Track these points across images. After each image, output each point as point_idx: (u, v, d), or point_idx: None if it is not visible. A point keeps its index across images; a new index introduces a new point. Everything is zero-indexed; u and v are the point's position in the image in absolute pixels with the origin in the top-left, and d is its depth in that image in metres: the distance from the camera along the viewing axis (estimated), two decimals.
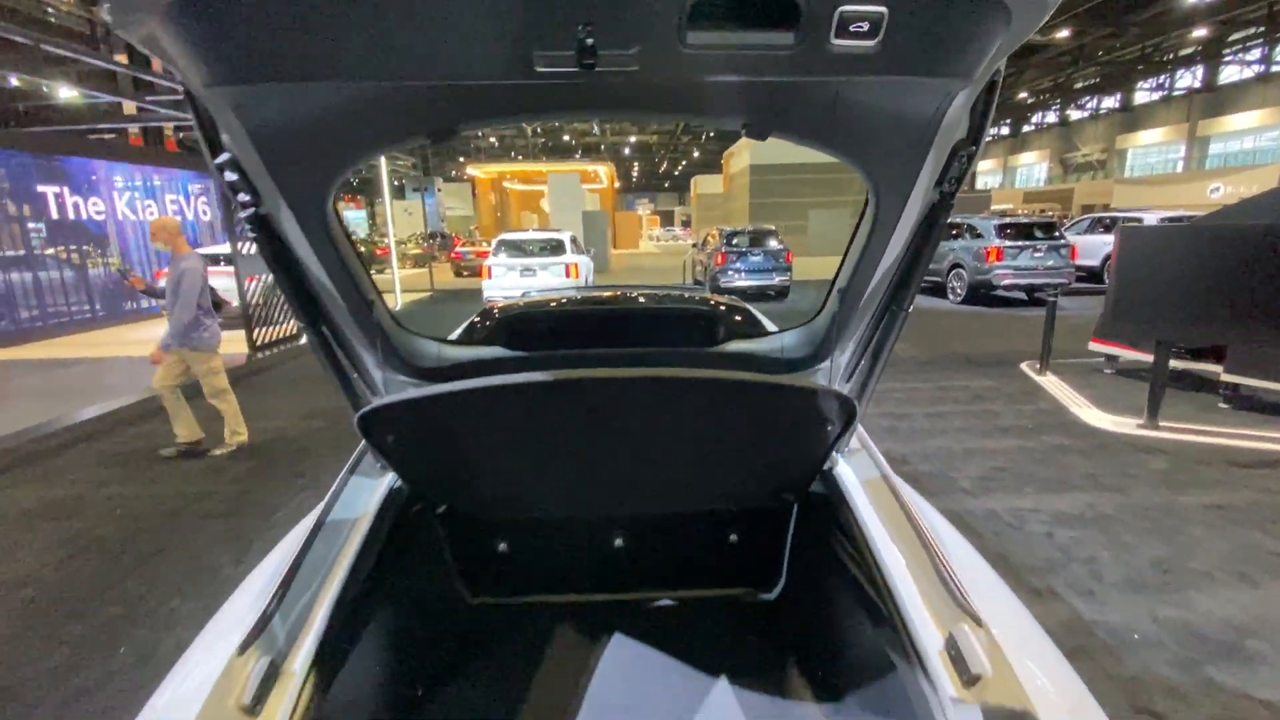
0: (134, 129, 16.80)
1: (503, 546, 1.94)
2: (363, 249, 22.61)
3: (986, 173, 50.58)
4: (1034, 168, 45.82)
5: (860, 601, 1.39)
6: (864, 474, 1.56)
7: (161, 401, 4.80)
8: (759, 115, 1.08)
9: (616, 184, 47.87)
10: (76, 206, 11.37)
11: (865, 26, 0.80)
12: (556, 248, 11.09)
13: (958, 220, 12.75)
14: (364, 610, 1.33)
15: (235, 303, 9.67)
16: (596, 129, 42.74)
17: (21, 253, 10.48)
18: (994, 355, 7.54)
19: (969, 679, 0.96)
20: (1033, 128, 44.44)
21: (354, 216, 48.12)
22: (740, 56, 0.86)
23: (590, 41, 0.80)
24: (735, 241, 13.50)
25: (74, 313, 11.30)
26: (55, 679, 2.40)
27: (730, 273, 13.06)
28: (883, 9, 0.78)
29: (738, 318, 2.32)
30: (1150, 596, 2.78)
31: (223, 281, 10.01)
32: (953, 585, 1.11)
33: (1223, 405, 5.32)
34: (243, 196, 1.09)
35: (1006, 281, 11.31)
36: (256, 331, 8.70)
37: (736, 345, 1.86)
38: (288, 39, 0.81)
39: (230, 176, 1.05)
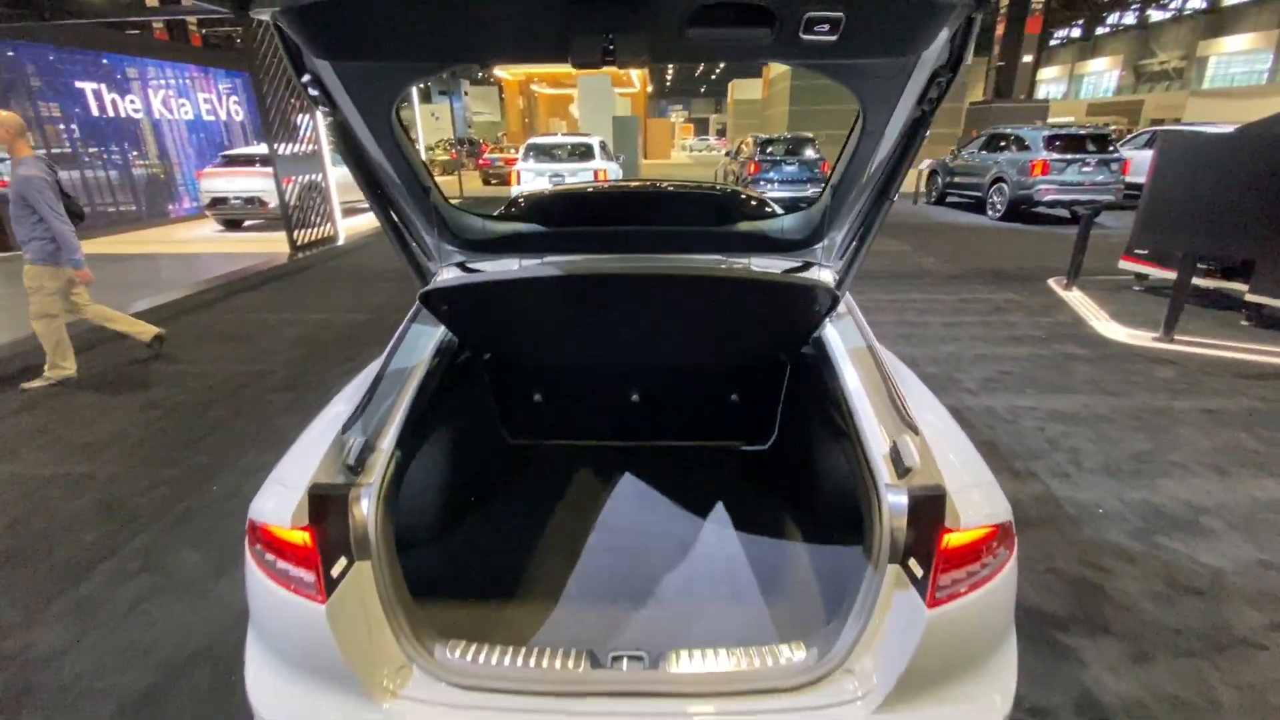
0: (158, 23, 16.59)
1: (537, 397, 2.27)
2: None
3: (1050, 80, 46.84)
4: (1104, 76, 42.23)
5: (833, 433, 1.65)
6: (849, 337, 1.79)
7: (90, 320, 4.55)
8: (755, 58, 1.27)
9: (649, 88, 45.74)
10: (115, 104, 11.53)
11: (826, 27, 1.01)
12: (585, 153, 10.99)
13: (1005, 131, 12.15)
14: (426, 427, 1.64)
15: (273, 204, 10.01)
16: None
17: (67, 150, 10.80)
18: (1024, 271, 7.49)
19: (903, 471, 1.22)
20: (1107, 30, 40.59)
21: None
22: (730, 46, 1.11)
23: (612, 46, 1.04)
24: (770, 150, 13.12)
25: (125, 213, 11.74)
26: (163, 507, 2.88)
27: (763, 183, 12.80)
28: (840, 14, 0.99)
29: (752, 203, 2.48)
30: (1122, 481, 3.02)
31: (260, 183, 10.33)
32: (900, 407, 1.36)
33: (1244, 323, 5.31)
34: (324, 108, 1.32)
35: (1049, 197, 10.90)
36: (297, 233, 8.99)
37: (746, 225, 2.05)
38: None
39: (313, 92, 1.27)
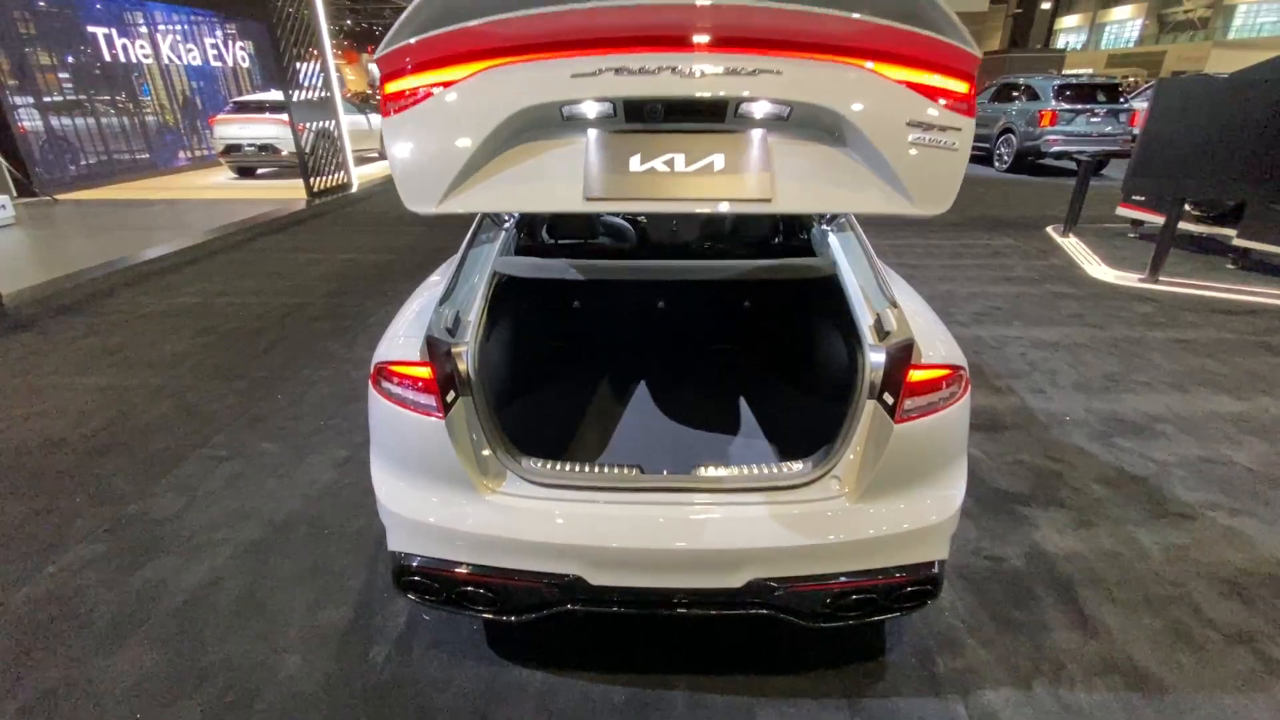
0: None
1: (576, 304, 2.59)
2: None
3: (1070, 30, 45.36)
4: (1127, 26, 40.85)
5: (830, 313, 1.99)
6: (849, 244, 2.09)
7: None
8: None
9: None
10: (125, 49, 11.54)
11: (781, 111, 1.17)
12: None
13: (1015, 80, 12.08)
14: (497, 309, 1.96)
15: (286, 151, 10.16)
16: None
17: (83, 98, 10.88)
18: (1025, 219, 7.69)
19: (883, 335, 1.55)
20: None
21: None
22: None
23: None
24: None
25: (139, 160, 11.89)
26: (235, 412, 3.25)
27: None
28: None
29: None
30: (1091, 396, 3.36)
31: (273, 129, 10.45)
32: (884, 288, 1.68)
33: (1230, 266, 5.57)
34: None
35: (1056, 148, 10.95)
36: (313, 180, 9.18)
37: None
38: None
39: None
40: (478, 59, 1.13)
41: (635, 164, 1.17)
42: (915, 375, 1.43)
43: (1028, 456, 2.82)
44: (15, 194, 8.88)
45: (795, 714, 1.67)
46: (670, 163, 1.17)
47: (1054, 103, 10.95)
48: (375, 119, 13.39)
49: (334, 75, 9.83)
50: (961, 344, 1.67)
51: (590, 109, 1.18)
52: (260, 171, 11.54)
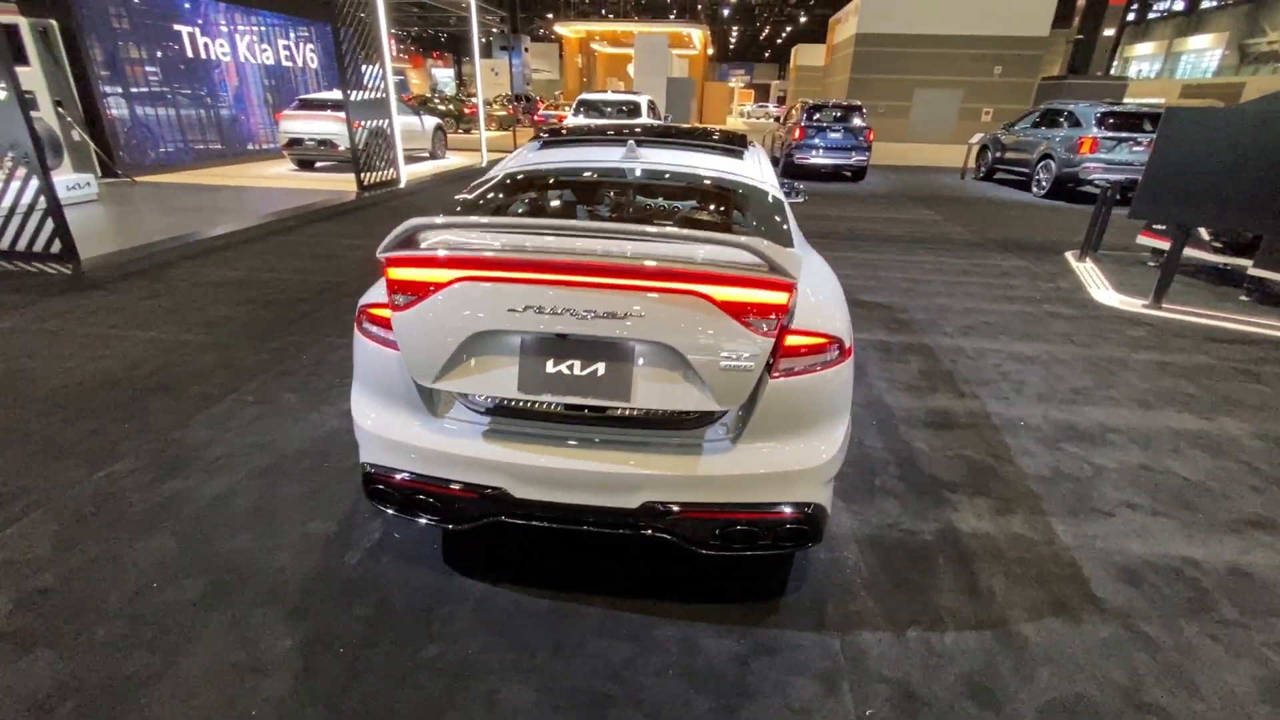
0: None
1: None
2: (450, 106, 23.04)
3: (1143, 58, 43.88)
4: (1205, 55, 39.29)
5: None
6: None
7: None
8: None
9: (710, 50, 45.01)
10: (206, 47, 12.54)
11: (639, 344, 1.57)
12: (633, 110, 11.44)
13: (1058, 106, 11.97)
14: None
15: (343, 147, 10.88)
16: None
17: (165, 90, 11.89)
18: (1045, 243, 7.70)
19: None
20: (1214, 3, 37.63)
21: (441, 75, 48.13)
22: None
23: None
24: (817, 116, 13.25)
25: (211, 149, 12.87)
26: (265, 367, 3.69)
27: (807, 149, 13.00)
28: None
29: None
30: (1053, 406, 3.50)
31: (332, 126, 11.20)
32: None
33: (1244, 298, 5.53)
34: None
35: (1096, 176, 10.80)
36: (364, 174, 9.83)
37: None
38: None
39: None
40: (451, 268, 1.65)
41: (549, 366, 1.70)
42: (791, 340, 1.69)
43: (970, 452, 3.00)
44: (100, 174, 9.81)
45: (692, 633, 1.93)
46: (571, 367, 1.70)
47: (1096, 130, 10.82)
48: (429, 121, 14.15)
49: (390, 78, 10.50)
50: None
51: (521, 333, 1.71)
52: (318, 165, 12.34)
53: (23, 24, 8.54)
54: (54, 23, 8.93)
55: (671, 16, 42.94)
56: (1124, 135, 10.72)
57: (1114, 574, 2.24)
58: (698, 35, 34.00)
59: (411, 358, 1.73)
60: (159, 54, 11.73)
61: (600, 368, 1.69)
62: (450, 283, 1.64)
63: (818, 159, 13.03)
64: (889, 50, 24.38)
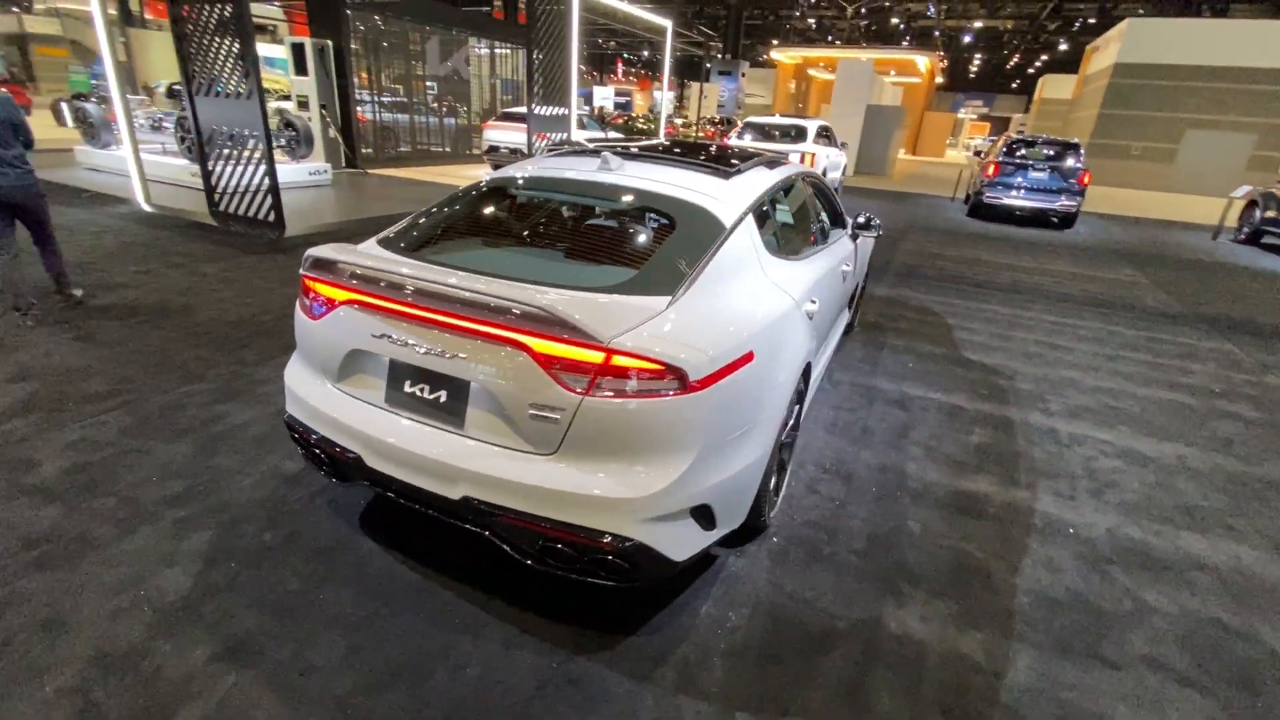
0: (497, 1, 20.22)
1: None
2: (651, 126, 24.36)
3: None
4: None
5: None
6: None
7: None
8: None
9: (939, 79, 41.83)
10: (444, 66, 14.78)
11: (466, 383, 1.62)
12: (798, 134, 11.13)
13: None
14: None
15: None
16: (933, 9, 36.70)
17: (407, 100, 14.26)
18: (1270, 324, 5.99)
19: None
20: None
21: (664, 98, 50.74)
22: None
23: None
24: (1021, 153, 11.68)
25: (434, 151, 15.15)
26: None
27: (1000, 188, 11.53)
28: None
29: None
30: (1133, 521, 2.75)
31: (523, 137, 12.54)
32: None
33: None
34: None
35: None
36: None
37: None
38: None
39: None
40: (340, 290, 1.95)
41: (407, 386, 1.91)
42: (618, 360, 1.60)
43: (972, 548, 2.50)
44: (344, 164, 12.07)
45: (519, 644, 1.91)
46: (423, 390, 1.88)
47: None
48: (613, 133, 15.17)
49: (574, 97, 11.48)
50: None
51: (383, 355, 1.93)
52: None
53: (308, 43, 10.87)
54: (329, 42, 11.22)
55: (904, 43, 40.64)
56: None
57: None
58: (923, 62, 31.84)
59: (313, 363, 2.09)
60: (404, 71, 14.12)
61: (443, 395, 1.85)
62: (341, 303, 1.95)
63: (1013, 200, 11.48)
64: (1151, 83, 20.58)
